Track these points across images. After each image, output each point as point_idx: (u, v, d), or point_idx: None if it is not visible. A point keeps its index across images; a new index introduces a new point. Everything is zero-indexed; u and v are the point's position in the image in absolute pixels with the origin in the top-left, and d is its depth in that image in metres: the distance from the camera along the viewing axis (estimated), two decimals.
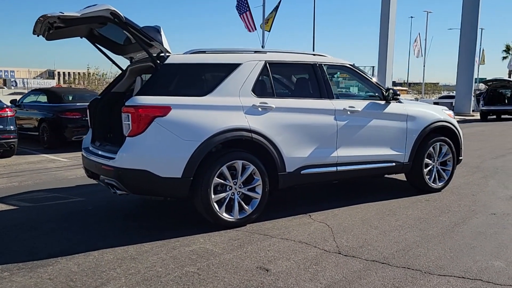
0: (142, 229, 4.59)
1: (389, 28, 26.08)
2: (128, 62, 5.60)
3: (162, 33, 4.42)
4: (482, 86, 32.97)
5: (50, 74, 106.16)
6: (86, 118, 10.71)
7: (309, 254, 3.86)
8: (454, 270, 3.52)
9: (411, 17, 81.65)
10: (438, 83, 75.82)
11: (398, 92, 5.69)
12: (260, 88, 4.88)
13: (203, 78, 4.82)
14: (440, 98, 33.24)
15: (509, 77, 52.01)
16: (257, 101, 4.72)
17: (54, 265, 3.64)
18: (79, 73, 24.96)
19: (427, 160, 6.06)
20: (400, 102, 5.84)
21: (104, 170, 4.43)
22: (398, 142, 5.78)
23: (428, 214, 5.11)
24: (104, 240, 4.24)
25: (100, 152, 4.77)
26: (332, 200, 5.67)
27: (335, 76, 21.05)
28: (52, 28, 4.51)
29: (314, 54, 5.51)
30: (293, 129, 4.88)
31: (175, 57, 4.58)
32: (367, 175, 5.76)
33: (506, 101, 23.62)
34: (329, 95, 5.26)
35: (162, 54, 4.54)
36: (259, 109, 4.70)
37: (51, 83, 71.29)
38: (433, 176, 6.18)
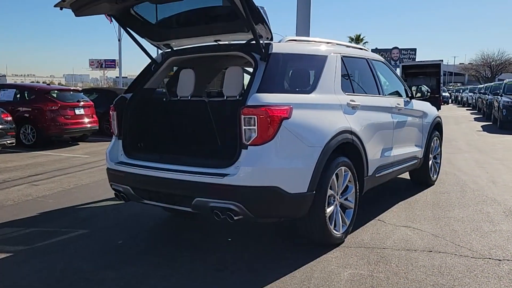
0: (239, 260, 3.65)
1: None
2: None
3: (267, 14, 3.55)
4: None
5: None
6: None
7: (468, 264, 3.54)
8: None
9: None
10: None
11: (428, 89, 5.71)
12: (344, 84, 4.34)
13: (303, 71, 4.05)
14: None
15: None
16: (348, 98, 4.18)
17: None
18: None
19: (430, 155, 6.28)
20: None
21: (213, 191, 3.32)
22: (420, 138, 5.84)
23: (474, 208, 5.20)
24: (226, 282, 3.23)
25: (177, 167, 3.57)
26: (369, 200, 5.42)
27: None
28: None
29: (361, 48, 5.16)
30: (373, 128, 4.48)
31: (278, 46, 3.71)
32: (400, 174, 5.66)
33: None
34: (383, 92, 5.00)
35: (261, 42, 3.64)
36: (351, 108, 4.17)
37: None
38: (432, 169, 6.43)
